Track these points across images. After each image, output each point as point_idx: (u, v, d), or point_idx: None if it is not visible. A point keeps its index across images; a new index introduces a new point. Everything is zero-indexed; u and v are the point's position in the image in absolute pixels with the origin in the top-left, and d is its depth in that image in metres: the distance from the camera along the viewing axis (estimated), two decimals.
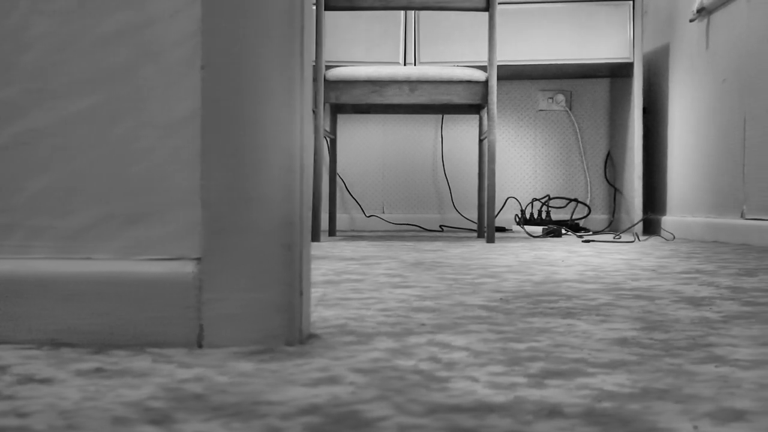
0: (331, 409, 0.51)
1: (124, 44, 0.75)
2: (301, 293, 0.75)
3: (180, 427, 0.47)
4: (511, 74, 3.65)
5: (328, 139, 3.08)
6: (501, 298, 1.11)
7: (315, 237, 2.63)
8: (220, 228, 0.73)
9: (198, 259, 0.74)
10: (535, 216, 3.60)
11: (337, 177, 3.85)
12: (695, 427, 0.47)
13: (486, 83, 2.69)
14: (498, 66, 3.42)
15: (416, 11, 3.39)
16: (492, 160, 2.62)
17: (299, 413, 0.50)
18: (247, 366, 0.64)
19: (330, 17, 3.40)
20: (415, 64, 3.42)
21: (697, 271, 1.55)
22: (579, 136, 3.79)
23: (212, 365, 0.65)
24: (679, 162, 3.26)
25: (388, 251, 2.11)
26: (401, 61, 3.41)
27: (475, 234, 3.47)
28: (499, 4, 3.37)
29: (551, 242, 2.68)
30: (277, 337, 0.73)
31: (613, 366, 0.65)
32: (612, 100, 3.74)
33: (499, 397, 0.54)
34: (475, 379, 0.60)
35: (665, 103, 3.46)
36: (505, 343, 0.76)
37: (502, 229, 3.62)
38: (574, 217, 3.77)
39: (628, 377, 0.61)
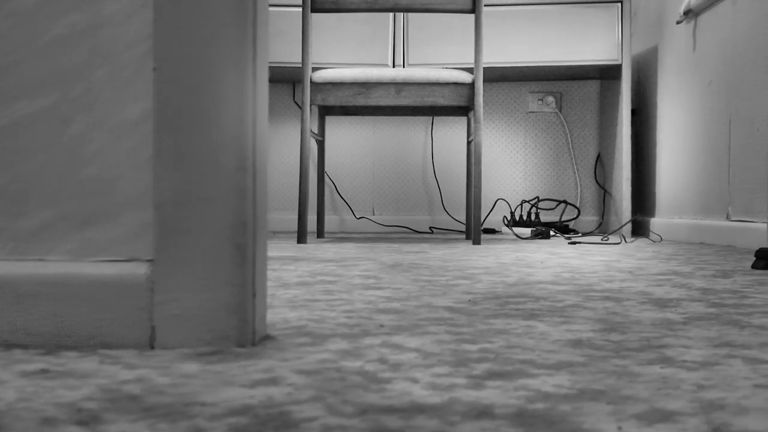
0: (261, 410, 0.51)
1: (77, 46, 0.75)
2: (254, 294, 0.75)
3: (106, 428, 0.47)
4: (500, 76, 3.66)
5: (316, 141, 3.08)
6: (469, 300, 1.11)
7: (301, 239, 2.63)
8: (172, 229, 0.73)
9: (151, 260, 0.75)
10: (525, 218, 3.60)
11: (328, 179, 3.85)
12: (619, 428, 0.47)
13: (472, 85, 2.69)
14: (487, 68, 3.43)
15: (405, 13, 3.39)
16: (478, 162, 2.62)
17: (228, 414, 0.50)
18: (192, 367, 0.64)
19: (319, 20, 3.40)
20: (404, 66, 3.42)
21: (674, 273, 1.55)
22: (569, 137, 3.79)
23: (158, 366, 0.65)
24: (668, 164, 3.26)
25: (370, 253, 2.11)
26: (390, 63, 3.42)
27: (464, 236, 3.47)
28: (488, 6, 3.37)
29: (538, 244, 2.68)
30: (228, 338, 0.73)
31: (558, 367, 0.65)
32: (602, 101, 3.75)
33: (434, 398, 0.54)
34: (415, 381, 0.60)
35: (654, 104, 3.46)
36: (458, 345, 0.76)
37: (492, 231, 3.62)
38: (564, 218, 3.78)
39: (569, 378, 0.61)
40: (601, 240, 2.91)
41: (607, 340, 0.79)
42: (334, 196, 3.86)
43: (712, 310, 1.02)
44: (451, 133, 3.85)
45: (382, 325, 0.87)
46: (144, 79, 0.75)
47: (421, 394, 0.56)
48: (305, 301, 1.08)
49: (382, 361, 0.68)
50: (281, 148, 3.85)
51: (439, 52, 3.41)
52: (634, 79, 3.75)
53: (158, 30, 0.74)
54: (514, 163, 3.83)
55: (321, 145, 3.13)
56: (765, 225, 2.29)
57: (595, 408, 0.52)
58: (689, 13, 2.95)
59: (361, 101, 2.70)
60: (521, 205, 3.47)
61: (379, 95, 2.69)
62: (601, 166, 3.75)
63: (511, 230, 3.26)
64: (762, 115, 2.38)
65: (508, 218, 3.70)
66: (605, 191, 3.71)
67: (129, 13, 0.75)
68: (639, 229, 3.59)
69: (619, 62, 3.31)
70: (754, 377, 0.62)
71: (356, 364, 0.66)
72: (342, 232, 3.75)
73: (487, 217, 3.74)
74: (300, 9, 3.37)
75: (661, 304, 1.08)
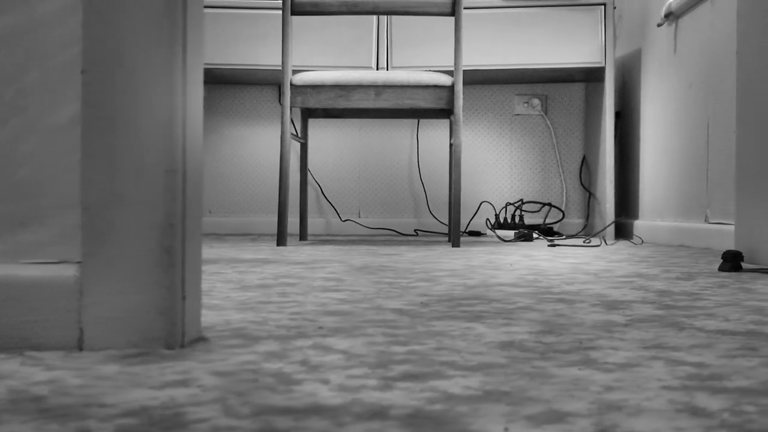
0: (157, 412, 0.51)
1: (9, 49, 0.75)
2: (185, 297, 0.75)
3: None
4: (486, 78, 3.66)
5: (300, 143, 3.08)
6: (422, 302, 1.11)
7: (280, 241, 2.64)
8: (100, 231, 0.74)
9: (80, 262, 0.75)
10: (509, 220, 3.60)
11: (314, 181, 3.85)
12: (506, 429, 0.47)
13: (452, 88, 2.69)
14: (473, 70, 3.43)
15: (389, 16, 3.40)
16: (458, 165, 2.63)
17: (122, 415, 0.50)
18: (111, 369, 0.65)
19: (304, 23, 3.41)
20: (387, 69, 3.42)
21: (638, 275, 1.55)
22: (554, 140, 3.80)
23: (77, 368, 0.65)
24: (651, 166, 3.27)
25: (343, 255, 2.11)
26: (374, 65, 3.42)
27: (447, 238, 3.47)
28: (473, 8, 3.37)
29: (517, 246, 2.68)
30: (156, 340, 0.74)
31: (477, 369, 0.65)
32: (587, 104, 3.75)
33: (337, 400, 0.55)
34: (326, 382, 0.60)
35: (638, 107, 3.47)
36: (387, 347, 0.76)
37: (477, 234, 3.62)
38: (549, 221, 3.78)
39: (481, 380, 0.61)
40: (583, 243, 2.91)
41: (539, 342, 0.79)
42: (320, 199, 3.86)
43: (660, 312, 1.02)
44: (436, 136, 3.86)
45: (321, 327, 0.88)
46: (75, 82, 0.75)
47: (325, 395, 0.56)
48: (257, 303, 1.08)
49: (303, 362, 0.68)
50: (267, 150, 3.85)
51: (423, 54, 3.42)
52: (619, 81, 3.76)
53: (87, 33, 0.74)
54: (499, 165, 3.83)
55: (304, 147, 3.14)
56: None
57: (492, 409, 0.52)
58: (670, 16, 2.95)
59: (341, 104, 2.70)
60: (506, 207, 3.47)
61: (358, 98, 2.70)
62: (587, 169, 3.76)
63: (495, 233, 3.27)
64: None
65: (492, 221, 3.70)
66: (590, 194, 3.71)
67: (60, 16, 0.75)
68: (623, 231, 3.59)
69: (602, 65, 3.32)
70: (667, 379, 0.62)
71: (276, 365, 0.66)
72: (328, 235, 3.75)
73: (471, 219, 3.74)
74: (279, 11, 3.36)
75: (612, 306, 1.08)
